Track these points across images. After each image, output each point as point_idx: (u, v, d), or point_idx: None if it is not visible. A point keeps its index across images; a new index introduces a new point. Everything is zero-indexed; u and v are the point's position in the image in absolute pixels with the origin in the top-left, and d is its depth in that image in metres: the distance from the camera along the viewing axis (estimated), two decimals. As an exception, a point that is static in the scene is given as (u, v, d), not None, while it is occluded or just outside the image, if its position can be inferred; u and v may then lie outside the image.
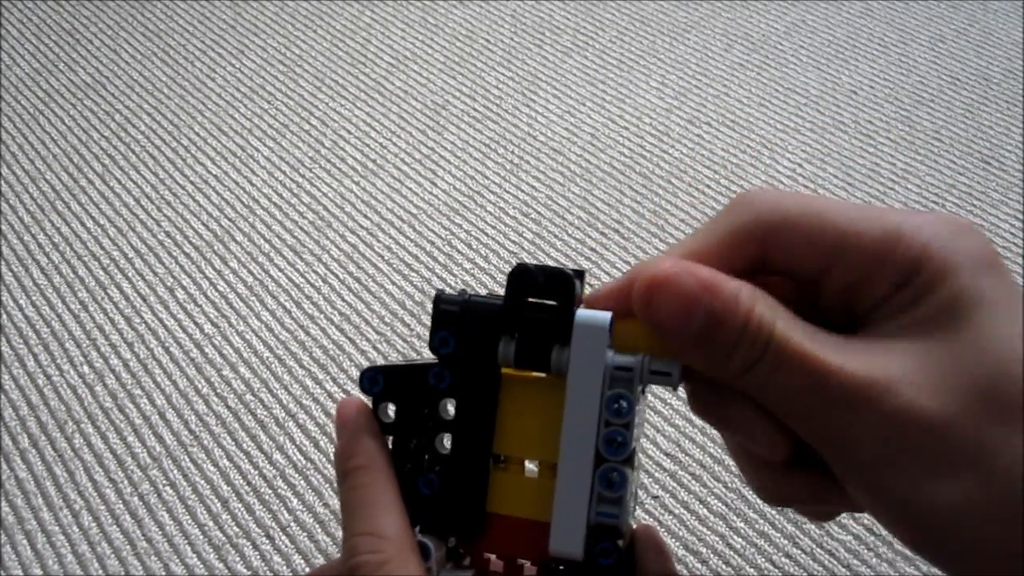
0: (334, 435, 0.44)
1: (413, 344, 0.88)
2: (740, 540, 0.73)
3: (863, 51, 1.25)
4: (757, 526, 0.73)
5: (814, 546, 0.72)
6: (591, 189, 1.05)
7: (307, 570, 0.71)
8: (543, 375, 0.31)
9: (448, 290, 0.31)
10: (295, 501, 0.76)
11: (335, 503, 0.75)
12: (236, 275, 0.95)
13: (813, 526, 0.73)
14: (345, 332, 0.89)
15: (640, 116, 1.15)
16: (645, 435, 0.79)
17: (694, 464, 0.77)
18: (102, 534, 0.74)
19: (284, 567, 0.72)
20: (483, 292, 0.35)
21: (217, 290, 0.94)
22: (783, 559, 0.71)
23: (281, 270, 0.96)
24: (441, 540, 0.31)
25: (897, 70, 1.22)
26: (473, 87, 1.20)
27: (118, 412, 0.82)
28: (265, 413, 0.82)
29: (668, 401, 0.82)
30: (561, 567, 0.30)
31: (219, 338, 0.89)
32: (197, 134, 1.14)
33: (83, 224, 1.02)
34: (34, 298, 0.93)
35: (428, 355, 0.32)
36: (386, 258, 0.97)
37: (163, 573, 0.71)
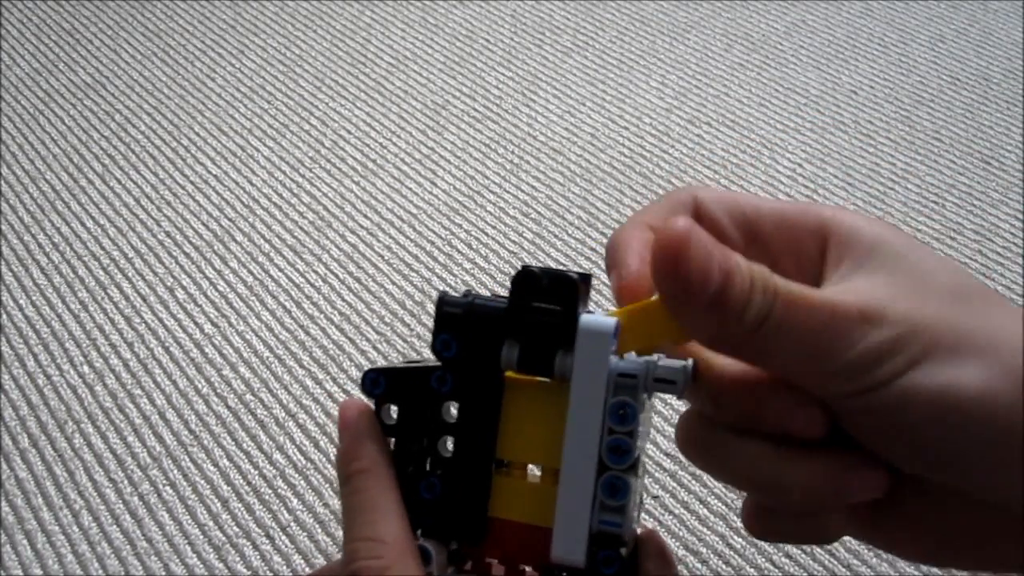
0: (335, 436, 0.44)
1: (413, 344, 0.88)
2: (740, 540, 0.73)
3: (863, 51, 1.25)
4: (757, 526, 0.73)
5: (814, 546, 0.72)
6: (591, 189, 1.05)
7: (307, 570, 0.71)
8: (547, 379, 0.30)
9: (451, 292, 0.31)
10: (295, 501, 0.76)
11: (335, 503, 0.75)
12: (236, 275, 0.95)
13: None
14: (345, 332, 0.89)
15: (640, 116, 1.15)
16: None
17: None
18: (102, 534, 0.74)
19: (284, 567, 0.72)
20: (485, 292, 0.35)
21: (217, 290, 0.94)
22: (783, 559, 0.71)
23: (281, 270, 0.96)
24: (442, 544, 0.31)
25: (897, 70, 1.22)
26: (473, 87, 1.20)
27: (118, 412, 0.82)
28: (265, 413, 0.82)
29: (668, 401, 0.82)
30: (564, 574, 0.30)
31: (219, 338, 0.89)
32: (197, 134, 1.14)
33: (83, 224, 1.02)
34: (34, 298, 0.93)
35: (428, 355, 0.32)
36: (386, 258, 0.97)
37: (163, 573, 0.71)
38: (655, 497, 0.75)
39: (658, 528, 0.73)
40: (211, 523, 0.74)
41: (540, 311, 0.30)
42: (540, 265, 0.35)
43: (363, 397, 0.32)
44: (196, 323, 0.90)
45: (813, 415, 0.29)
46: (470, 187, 1.05)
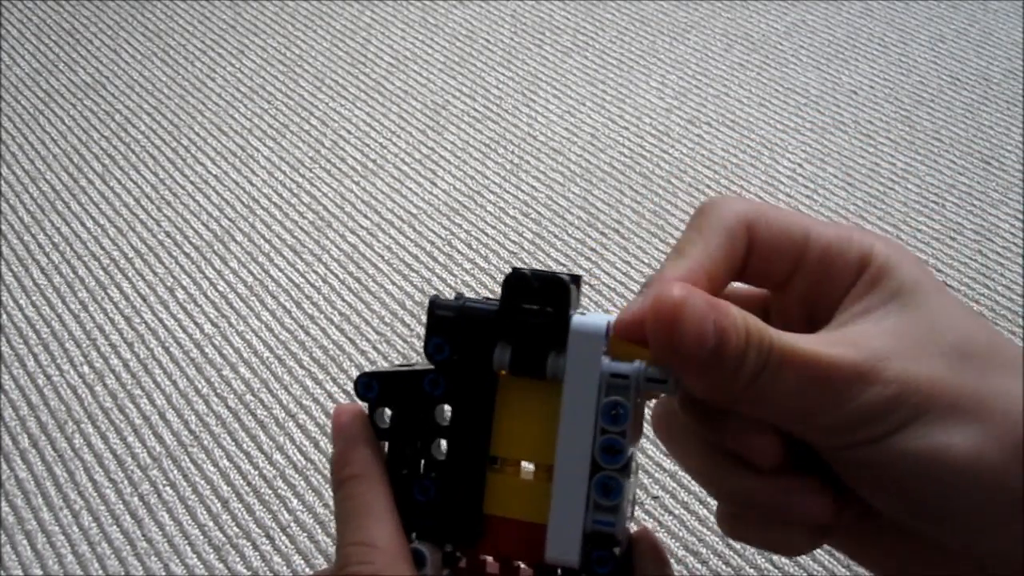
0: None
1: (413, 344, 0.88)
2: (740, 540, 0.73)
3: (863, 51, 1.25)
4: (757, 526, 0.73)
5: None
6: (591, 189, 1.05)
7: (307, 571, 0.71)
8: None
9: (443, 295, 0.31)
10: (295, 501, 0.76)
11: (335, 503, 0.75)
12: (236, 275, 0.95)
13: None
14: (345, 332, 0.89)
15: (640, 116, 1.15)
16: (644, 435, 0.79)
17: (694, 464, 0.77)
18: (102, 534, 0.74)
19: (284, 567, 0.72)
20: (482, 294, 0.35)
21: (217, 290, 0.94)
22: (783, 559, 0.71)
23: (281, 270, 0.96)
24: (437, 546, 0.31)
25: (897, 70, 1.22)
26: (473, 87, 1.20)
27: (118, 412, 0.82)
28: (265, 413, 0.82)
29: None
30: (559, 572, 0.30)
31: (219, 338, 0.89)
32: (197, 134, 1.14)
33: (83, 224, 1.02)
34: (34, 298, 0.93)
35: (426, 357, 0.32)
36: (386, 258, 0.97)
37: (163, 573, 0.71)
38: (655, 497, 0.75)
39: (658, 528, 0.73)
40: (211, 523, 0.74)
41: (531, 313, 0.30)
42: (531, 267, 0.35)
43: (358, 401, 0.32)
44: (196, 323, 0.90)
45: (767, 444, 0.30)
46: (470, 187, 1.05)
